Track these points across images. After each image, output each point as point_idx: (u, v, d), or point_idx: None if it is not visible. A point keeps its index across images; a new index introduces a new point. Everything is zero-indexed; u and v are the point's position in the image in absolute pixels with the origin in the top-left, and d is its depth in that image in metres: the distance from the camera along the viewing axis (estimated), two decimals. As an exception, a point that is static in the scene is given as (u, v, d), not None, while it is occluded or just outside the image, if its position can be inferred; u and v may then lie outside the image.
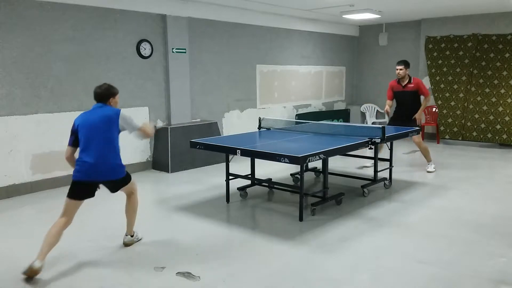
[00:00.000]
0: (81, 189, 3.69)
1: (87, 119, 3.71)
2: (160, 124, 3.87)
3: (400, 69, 6.56)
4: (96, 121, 3.65)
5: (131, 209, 4.02)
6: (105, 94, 3.78)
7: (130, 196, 3.98)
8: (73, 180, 3.69)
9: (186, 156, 7.12)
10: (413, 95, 6.60)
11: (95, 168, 3.61)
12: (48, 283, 3.34)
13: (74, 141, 3.74)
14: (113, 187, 3.82)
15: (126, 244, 4.01)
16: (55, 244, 3.54)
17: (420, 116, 6.64)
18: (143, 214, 4.60)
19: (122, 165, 3.76)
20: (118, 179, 3.74)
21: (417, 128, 6.38)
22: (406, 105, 6.65)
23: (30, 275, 3.35)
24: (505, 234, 4.22)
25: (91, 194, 3.76)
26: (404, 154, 8.27)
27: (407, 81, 6.61)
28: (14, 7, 5.57)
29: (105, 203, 5.44)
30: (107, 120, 3.65)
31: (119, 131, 3.71)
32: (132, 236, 4.05)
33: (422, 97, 6.66)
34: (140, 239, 4.14)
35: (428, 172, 6.72)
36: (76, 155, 3.74)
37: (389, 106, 6.76)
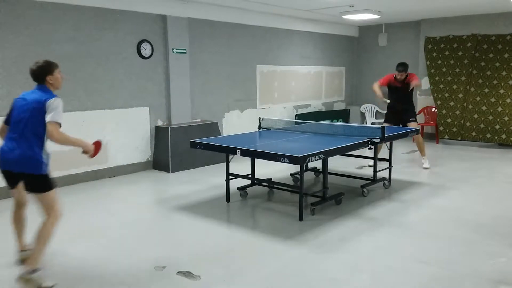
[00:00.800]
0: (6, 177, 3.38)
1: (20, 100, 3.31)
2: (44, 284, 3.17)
3: (402, 75, 6.75)
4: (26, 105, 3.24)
5: (40, 232, 3.27)
6: (39, 73, 3.34)
7: (47, 215, 3.34)
8: None
9: (186, 156, 7.13)
10: (408, 87, 6.76)
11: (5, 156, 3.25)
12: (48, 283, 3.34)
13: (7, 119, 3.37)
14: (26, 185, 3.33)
15: (21, 278, 3.19)
16: (22, 229, 3.62)
17: (417, 82, 6.74)
18: (144, 214, 4.61)
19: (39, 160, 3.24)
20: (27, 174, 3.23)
21: (413, 118, 6.75)
22: (400, 99, 6.83)
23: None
24: (505, 234, 4.23)
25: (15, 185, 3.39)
26: (404, 154, 8.28)
27: (403, 79, 6.80)
28: (15, 7, 5.57)
29: (106, 201, 5.44)
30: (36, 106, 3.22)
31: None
32: (32, 271, 3.16)
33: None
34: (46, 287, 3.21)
35: (425, 168, 6.90)
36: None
37: (377, 89, 6.94)
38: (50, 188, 3.32)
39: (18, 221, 3.60)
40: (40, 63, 3.35)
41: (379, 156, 6.11)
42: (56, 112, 3.24)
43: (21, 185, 3.40)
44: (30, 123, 3.21)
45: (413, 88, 6.76)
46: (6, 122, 3.37)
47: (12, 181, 3.42)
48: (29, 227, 3.69)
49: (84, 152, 3.47)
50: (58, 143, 3.26)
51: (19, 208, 3.59)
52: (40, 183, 3.26)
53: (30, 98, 3.28)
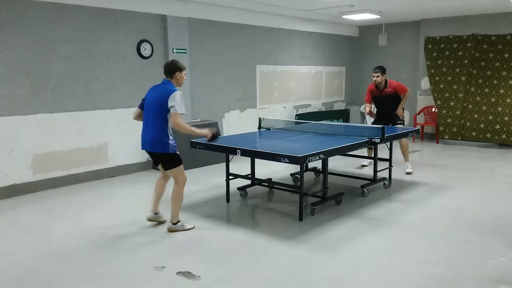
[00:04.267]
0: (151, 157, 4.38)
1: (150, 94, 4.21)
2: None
3: (377, 76, 6.58)
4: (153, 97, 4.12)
5: (172, 196, 4.25)
6: (170, 69, 4.13)
7: (175, 183, 4.24)
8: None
9: (186, 156, 7.09)
10: (392, 97, 6.67)
11: (143, 139, 4.23)
12: (48, 282, 3.35)
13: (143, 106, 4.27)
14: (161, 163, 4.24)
15: (169, 230, 4.29)
16: (160, 195, 4.46)
17: (400, 111, 6.72)
18: (143, 214, 4.61)
19: (168, 142, 4.07)
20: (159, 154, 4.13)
21: (400, 121, 6.68)
22: (386, 106, 6.75)
23: (149, 221, 4.47)
24: (505, 234, 4.23)
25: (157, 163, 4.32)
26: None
27: (383, 85, 6.65)
28: (15, 8, 5.57)
29: (106, 200, 5.45)
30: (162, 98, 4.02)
31: (168, 111, 4.01)
32: (174, 223, 4.26)
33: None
34: (189, 228, 4.34)
35: (407, 173, 6.65)
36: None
37: (369, 108, 6.83)
38: (178, 163, 4.21)
39: (159, 188, 4.49)
40: (170, 61, 4.22)
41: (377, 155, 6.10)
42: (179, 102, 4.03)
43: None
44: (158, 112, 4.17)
45: (396, 96, 6.65)
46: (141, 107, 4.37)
47: (154, 161, 4.47)
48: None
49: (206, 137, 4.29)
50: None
51: (162, 179, 4.51)
52: (171, 160, 4.19)
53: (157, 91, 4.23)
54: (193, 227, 4.34)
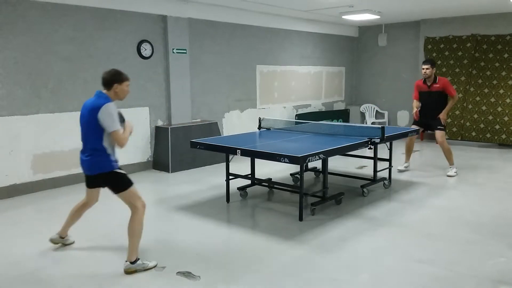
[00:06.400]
0: (87, 179, 3.70)
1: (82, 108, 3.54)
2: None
3: (427, 68, 6.33)
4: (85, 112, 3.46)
5: (128, 228, 3.50)
6: (107, 80, 3.46)
7: (132, 212, 3.52)
8: None
9: (186, 156, 7.13)
10: (439, 95, 6.42)
11: (81, 162, 3.58)
12: (48, 282, 3.34)
13: None
14: (107, 185, 3.54)
15: (125, 271, 3.48)
16: (74, 221, 3.93)
17: (444, 116, 6.44)
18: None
19: (106, 160, 3.44)
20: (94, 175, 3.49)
21: (441, 127, 6.40)
22: (431, 105, 6.47)
23: (52, 242, 3.94)
24: (505, 234, 4.24)
25: (100, 185, 3.65)
26: (404, 154, 8.28)
27: (432, 81, 6.44)
28: (15, 8, 5.57)
29: (105, 201, 5.45)
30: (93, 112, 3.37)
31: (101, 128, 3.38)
32: (132, 262, 3.47)
33: (449, 97, 6.49)
34: (151, 267, 3.56)
35: (448, 176, 6.45)
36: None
37: (416, 107, 6.55)
38: (124, 185, 3.51)
39: (75, 214, 3.97)
40: (112, 71, 3.52)
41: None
42: (113, 117, 3.40)
43: None
44: (91, 127, 3.49)
45: (443, 94, 6.39)
46: None
47: (90, 182, 3.78)
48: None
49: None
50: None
51: (83, 204, 3.98)
52: (113, 181, 3.53)
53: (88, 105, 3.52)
54: (156, 265, 3.56)
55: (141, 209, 3.50)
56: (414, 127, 6.58)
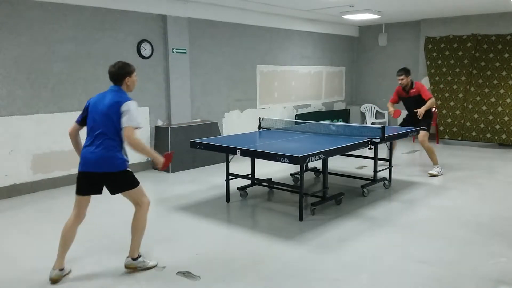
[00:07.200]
0: (84, 182, 3.35)
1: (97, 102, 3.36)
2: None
3: (402, 78, 6.54)
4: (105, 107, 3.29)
5: (133, 225, 3.48)
6: (118, 75, 3.39)
7: (137, 208, 3.48)
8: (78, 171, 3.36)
9: (186, 156, 7.13)
10: (418, 99, 6.53)
11: (85, 158, 3.29)
12: (48, 282, 3.34)
13: (82, 120, 3.44)
14: (110, 185, 3.36)
15: (126, 267, 3.49)
16: (69, 244, 3.39)
17: (421, 110, 6.44)
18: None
19: (120, 158, 3.31)
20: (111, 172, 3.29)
21: (424, 127, 6.46)
22: (412, 109, 6.62)
23: (54, 282, 3.33)
24: (505, 234, 4.23)
25: (97, 190, 3.37)
26: (404, 154, 8.29)
27: (410, 87, 6.58)
28: (15, 8, 5.57)
29: (106, 201, 5.45)
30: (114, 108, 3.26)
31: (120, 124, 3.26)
32: (134, 259, 3.48)
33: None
34: (151, 266, 3.55)
35: (430, 175, 6.50)
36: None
37: (391, 108, 6.71)
38: (134, 183, 3.43)
39: (69, 233, 3.45)
40: (120, 64, 3.47)
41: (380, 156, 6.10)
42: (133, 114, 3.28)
43: None
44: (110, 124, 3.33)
45: (421, 98, 6.49)
46: (81, 123, 3.52)
47: (88, 187, 3.47)
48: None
49: (154, 163, 3.53)
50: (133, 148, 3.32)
51: (74, 220, 3.51)
52: (126, 179, 3.41)
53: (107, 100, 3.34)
54: (156, 265, 3.56)
55: (146, 206, 3.48)
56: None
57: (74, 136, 3.50)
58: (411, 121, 6.68)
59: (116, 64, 3.44)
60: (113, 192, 3.40)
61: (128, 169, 3.39)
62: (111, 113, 3.24)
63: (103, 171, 3.26)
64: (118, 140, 3.29)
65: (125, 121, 3.22)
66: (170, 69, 7.24)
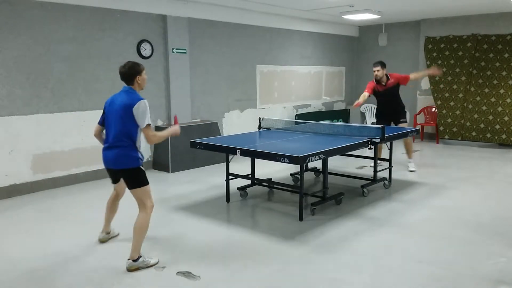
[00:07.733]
0: (110, 174, 3.83)
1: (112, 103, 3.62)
2: None
3: (378, 70, 6.53)
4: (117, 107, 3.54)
5: (135, 226, 3.56)
6: (129, 75, 3.55)
7: (140, 209, 3.60)
8: None
9: (186, 156, 7.13)
10: (394, 90, 6.63)
11: (106, 157, 3.63)
12: (48, 282, 3.34)
13: (103, 121, 3.72)
14: (125, 180, 3.61)
15: (128, 269, 3.53)
16: (112, 214, 4.06)
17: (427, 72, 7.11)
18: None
19: (134, 156, 3.52)
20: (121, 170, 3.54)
21: (404, 119, 6.66)
22: (390, 101, 6.65)
23: (102, 242, 4.08)
24: (505, 234, 4.24)
25: (119, 178, 3.79)
26: (404, 154, 8.28)
27: (386, 79, 6.60)
28: (15, 8, 5.57)
29: (104, 201, 5.45)
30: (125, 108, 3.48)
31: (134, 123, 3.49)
32: (135, 260, 3.53)
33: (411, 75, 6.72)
34: (153, 264, 3.61)
35: (411, 171, 6.71)
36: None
37: (363, 98, 6.41)
38: (142, 182, 3.60)
39: (111, 209, 4.13)
40: (130, 64, 3.59)
41: (378, 157, 6.10)
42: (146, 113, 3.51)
43: None
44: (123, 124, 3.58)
45: (398, 88, 6.63)
46: (102, 123, 3.79)
47: (114, 177, 3.95)
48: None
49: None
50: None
51: (115, 196, 4.11)
52: (134, 176, 3.60)
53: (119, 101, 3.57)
54: (157, 262, 3.63)
55: (150, 209, 3.60)
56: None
57: (99, 136, 3.80)
58: (389, 115, 6.72)
59: (126, 65, 3.58)
60: (128, 186, 3.62)
61: (141, 167, 3.58)
62: (123, 115, 3.46)
63: (118, 168, 3.56)
64: (132, 139, 3.52)
65: (141, 122, 3.46)
66: (170, 69, 7.24)
